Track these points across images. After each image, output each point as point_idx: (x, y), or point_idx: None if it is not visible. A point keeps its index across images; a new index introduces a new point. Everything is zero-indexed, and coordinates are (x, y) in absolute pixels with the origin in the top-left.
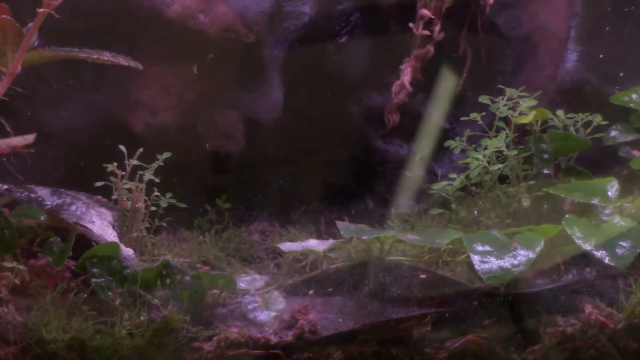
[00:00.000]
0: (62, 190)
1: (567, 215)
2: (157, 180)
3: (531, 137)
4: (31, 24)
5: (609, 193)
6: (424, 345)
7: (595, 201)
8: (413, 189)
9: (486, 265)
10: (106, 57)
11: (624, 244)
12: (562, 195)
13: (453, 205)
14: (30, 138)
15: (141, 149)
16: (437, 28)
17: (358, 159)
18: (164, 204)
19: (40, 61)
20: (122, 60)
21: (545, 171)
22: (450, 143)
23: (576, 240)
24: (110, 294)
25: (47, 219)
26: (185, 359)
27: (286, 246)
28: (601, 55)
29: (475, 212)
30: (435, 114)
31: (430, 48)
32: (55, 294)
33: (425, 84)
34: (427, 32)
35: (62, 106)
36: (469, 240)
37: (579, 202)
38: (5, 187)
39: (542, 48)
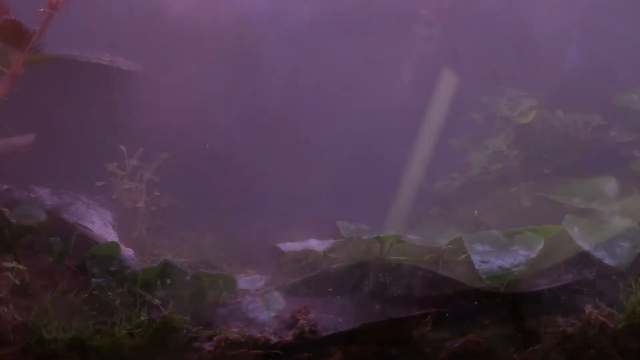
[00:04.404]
0: (62, 190)
1: (567, 215)
2: (157, 180)
3: (531, 137)
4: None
5: (609, 194)
6: (424, 345)
7: (595, 205)
8: (413, 189)
9: (486, 265)
10: (105, 60)
11: (623, 244)
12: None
13: (453, 205)
14: (30, 138)
15: (141, 149)
16: (438, 28)
17: (358, 158)
18: (164, 204)
19: (40, 62)
20: (122, 64)
21: (545, 171)
22: (450, 143)
23: (576, 240)
24: (110, 294)
25: (47, 219)
26: (185, 359)
27: (286, 246)
28: (601, 55)
29: (475, 212)
30: (436, 114)
31: (431, 48)
32: (55, 294)
33: (425, 84)
34: (426, 32)
35: (62, 106)
36: (469, 240)
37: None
38: (5, 187)
39: (542, 48)
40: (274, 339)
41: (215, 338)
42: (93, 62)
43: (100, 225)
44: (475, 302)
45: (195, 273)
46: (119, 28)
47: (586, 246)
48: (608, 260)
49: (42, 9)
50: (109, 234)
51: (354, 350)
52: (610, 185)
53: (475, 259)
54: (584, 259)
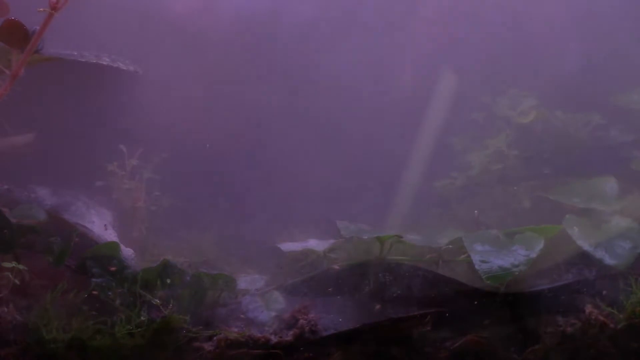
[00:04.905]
0: (62, 190)
1: (567, 215)
2: (157, 179)
3: (531, 137)
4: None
5: (609, 194)
6: (424, 345)
7: (595, 205)
8: (413, 188)
9: (486, 265)
10: (105, 61)
11: (624, 244)
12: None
13: (453, 205)
14: (30, 137)
15: (141, 149)
16: (438, 27)
17: (358, 158)
18: (165, 204)
19: (40, 62)
20: (121, 65)
21: (545, 171)
22: (451, 142)
23: (576, 240)
24: (110, 293)
25: (47, 219)
26: (185, 359)
27: (286, 246)
28: (601, 55)
29: (475, 212)
30: (436, 113)
31: (431, 47)
32: (55, 294)
33: (425, 83)
34: (427, 32)
35: (62, 106)
36: (469, 240)
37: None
38: (6, 187)
39: (542, 48)
40: (274, 339)
41: (215, 338)
42: (93, 62)
43: (100, 225)
44: (475, 302)
45: (195, 273)
46: (120, 28)
47: (586, 246)
48: (608, 260)
49: (42, 9)
50: (109, 234)
51: (354, 350)
52: (610, 185)
53: (475, 258)
54: (584, 259)
